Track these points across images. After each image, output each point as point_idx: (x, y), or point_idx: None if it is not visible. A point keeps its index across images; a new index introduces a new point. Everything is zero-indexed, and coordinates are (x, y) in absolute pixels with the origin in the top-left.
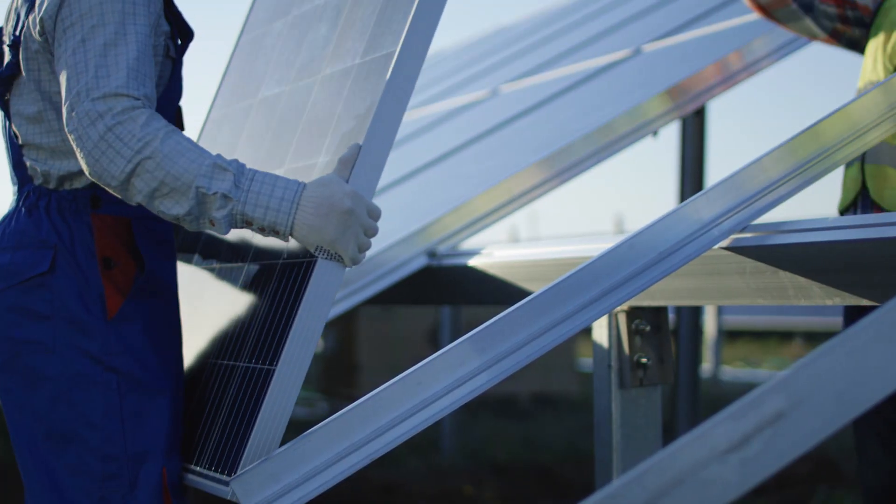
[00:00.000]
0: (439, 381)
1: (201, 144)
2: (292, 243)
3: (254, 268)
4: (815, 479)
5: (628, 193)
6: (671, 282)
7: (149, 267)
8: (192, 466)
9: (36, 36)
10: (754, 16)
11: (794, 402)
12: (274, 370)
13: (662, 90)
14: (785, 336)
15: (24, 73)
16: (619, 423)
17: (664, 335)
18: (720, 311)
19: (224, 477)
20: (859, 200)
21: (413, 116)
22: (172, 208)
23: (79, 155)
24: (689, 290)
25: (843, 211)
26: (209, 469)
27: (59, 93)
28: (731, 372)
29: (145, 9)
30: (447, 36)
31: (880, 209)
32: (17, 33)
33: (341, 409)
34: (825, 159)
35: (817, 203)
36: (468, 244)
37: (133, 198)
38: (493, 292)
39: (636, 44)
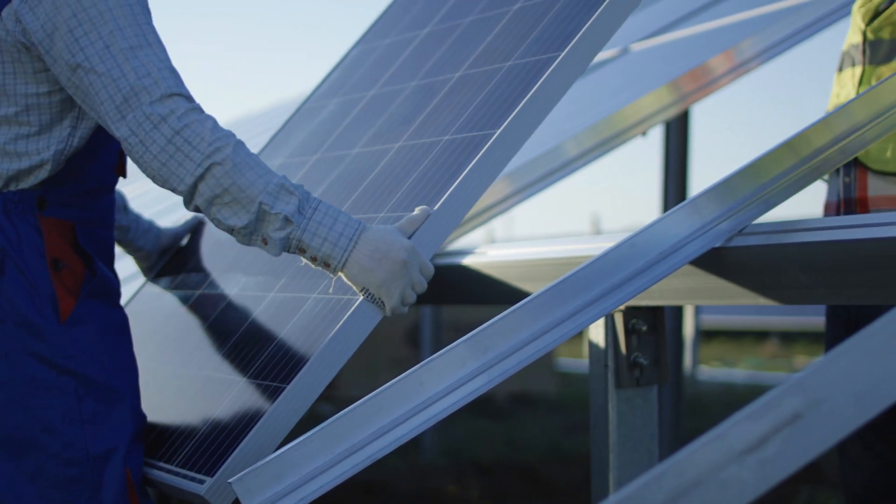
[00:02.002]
0: (441, 381)
1: None
2: (328, 281)
3: (280, 297)
4: (799, 480)
5: (604, 194)
6: (669, 281)
7: (98, 269)
8: (164, 464)
9: (19, 37)
10: (742, 16)
11: (811, 403)
12: (283, 388)
13: (652, 90)
14: (760, 335)
15: (4, 78)
16: (615, 423)
17: (661, 335)
18: (697, 310)
19: (201, 476)
20: None
21: None
22: (230, 218)
23: (139, 160)
24: (688, 290)
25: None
26: (184, 468)
27: (42, 95)
28: (708, 371)
29: (147, 7)
30: None
31: (864, 167)
32: None
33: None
34: (826, 159)
35: (814, 203)
36: (458, 244)
37: (193, 201)
38: (488, 292)
39: (623, 43)
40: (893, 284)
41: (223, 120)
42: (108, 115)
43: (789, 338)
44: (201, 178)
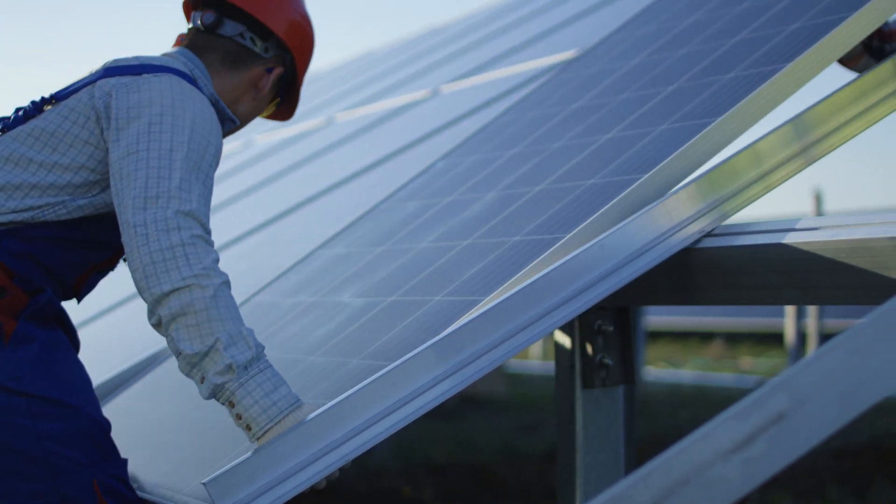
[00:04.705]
0: (414, 381)
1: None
2: None
3: None
4: None
5: None
6: (636, 282)
7: (43, 298)
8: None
9: (99, 107)
10: None
11: (796, 403)
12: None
13: None
14: (706, 337)
15: (56, 129)
16: (581, 423)
17: (627, 336)
18: (643, 311)
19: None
20: None
21: (352, 116)
22: (183, 341)
23: (134, 250)
24: (657, 291)
25: None
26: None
27: (73, 165)
28: (654, 372)
29: (218, 157)
30: (376, 37)
31: None
32: (64, 94)
33: None
34: (788, 163)
35: (785, 204)
36: None
37: (158, 311)
38: None
39: (579, 46)
40: (862, 285)
41: None
42: (133, 200)
43: (734, 339)
44: (177, 290)
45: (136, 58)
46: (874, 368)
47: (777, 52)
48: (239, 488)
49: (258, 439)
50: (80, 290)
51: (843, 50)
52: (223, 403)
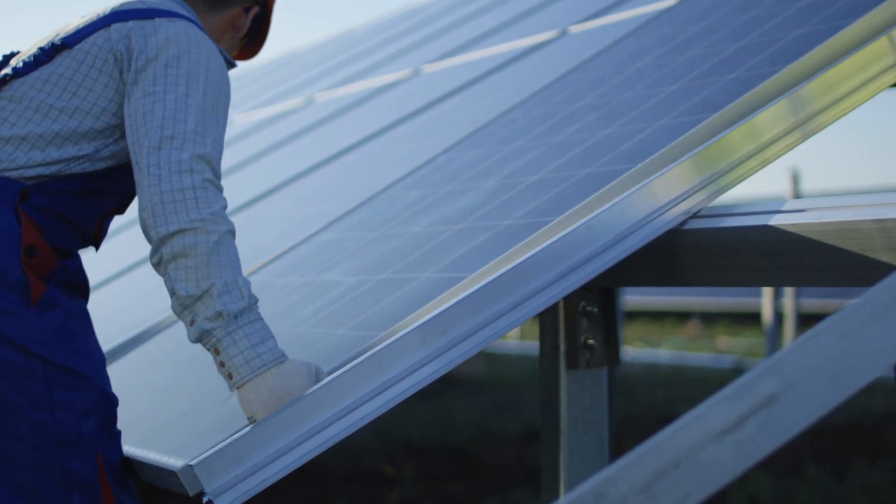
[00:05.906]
0: (401, 363)
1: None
2: None
3: None
4: None
5: None
6: (621, 263)
7: (71, 264)
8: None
9: (120, 48)
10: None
11: (787, 385)
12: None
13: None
14: (682, 316)
15: (74, 73)
16: (566, 403)
17: (611, 317)
18: (621, 291)
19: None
20: None
21: (332, 96)
22: (179, 282)
23: (146, 189)
24: (641, 272)
25: None
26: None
27: (94, 109)
28: (631, 352)
29: (228, 106)
30: (355, 17)
31: None
32: (75, 39)
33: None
34: (785, 137)
35: (762, 185)
36: None
37: (161, 249)
38: None
39: (561, 25)
40: (848, 267)
41: None
42: (148, 140)
43: (711, 318)
44: (183, 231)
45: (142, 1)
46: (865, 351)
47: (780, 55)
48: (227, 470)
49: (238, 388)
50: (99, 239)
51: (846, 52)
52: (209, 349)
